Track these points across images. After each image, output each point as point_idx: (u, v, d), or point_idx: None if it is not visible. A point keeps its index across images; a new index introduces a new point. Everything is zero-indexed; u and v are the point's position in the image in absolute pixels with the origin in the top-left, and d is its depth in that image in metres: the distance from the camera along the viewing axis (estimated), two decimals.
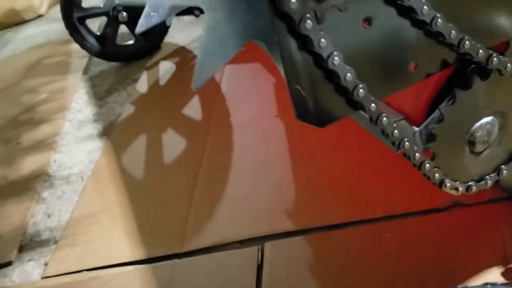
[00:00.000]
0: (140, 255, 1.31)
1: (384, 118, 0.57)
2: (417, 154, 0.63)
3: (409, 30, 0.57)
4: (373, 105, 0.55)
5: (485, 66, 0.64)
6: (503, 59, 0.64)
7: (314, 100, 0.55)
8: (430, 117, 0.67)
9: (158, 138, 1.74)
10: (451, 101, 0.65)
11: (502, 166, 0.74)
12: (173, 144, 1.68)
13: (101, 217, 1.47)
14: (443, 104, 0.66)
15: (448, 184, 0.67)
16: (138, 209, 1.46)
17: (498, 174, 0.73)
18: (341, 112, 0.56)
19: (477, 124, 0.68)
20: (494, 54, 0.63)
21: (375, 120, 0.57)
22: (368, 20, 0.54)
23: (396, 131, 0.59)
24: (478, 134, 0.68)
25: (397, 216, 1.18)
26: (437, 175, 0.65)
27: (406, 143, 0.60)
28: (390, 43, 0.56)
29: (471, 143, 0.68)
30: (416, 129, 0.68)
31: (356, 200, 1.23)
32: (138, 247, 1.34)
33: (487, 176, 0.72)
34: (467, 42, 0.59)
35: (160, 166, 1.60)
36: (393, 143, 0.60)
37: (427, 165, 0.64)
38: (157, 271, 1.25)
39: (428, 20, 0.56)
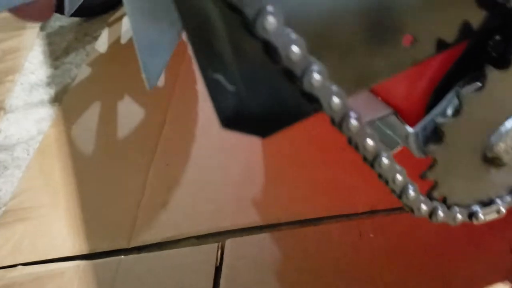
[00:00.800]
0: (82, 249, 1.12)
1: (352, 121, 0.36)
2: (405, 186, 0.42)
3: None
4: (335, 100, 0.34)
5: None
6: None
7: (250, 96, 0.33)
8: (434, 111, 0.46)
9: (114, 106, 1.52)
10: (478, 86, 0.44)
11: None
12: (130, 113, 1.47)
13: (44, 201, 1.28)
14: (464, 89, 0.45)
15: (441, 215, 0.47)
16: (85, 192, 1.26)
17: None
18: (288, 114, 0.35)
19: (507, 124, 0.47)
20: None
21: (337, 123, 0.36)
22: None
23: (370, 142, 0.38)
24: (503, 140, 0.47)
25: (382, 211, 0.99)
26: (424, 206, 0.45)
27: (384, 160, 0.39)
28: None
29: (490, 150, 0.47)
30: (411, 130, 0.47)
31: (335, 192, 1.03)
32: (81, 239, 1.15)
33: (501, 198, 0.51)
34: None
35: (113, 141, 1.39)
36: (365, 158, 0.39)
37: (411, 192, 0.43)
38: (100, 269, 1.07)
39: None
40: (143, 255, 1.07)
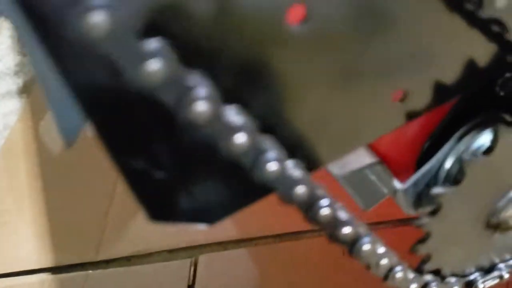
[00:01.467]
0: (47, 261, 1.05)
1: (323, 210, 0.28)
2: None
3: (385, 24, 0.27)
4: (299, 189, 0.26)
5: None
6: None
7: (188, 182, 0.25)
8: (428, 165, 0.38)
9: None
10: (486, 146, 0.36)
11: None
12: None
13: (8, 206, 1.19)
14: (467, 153, 0.37)
15: (398, 276, 0.39)
16: (52, 197, 1.18)
17: None
18: (238, 199, 0.28)
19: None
20: None
21: (304, 212, 0.28)
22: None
23: (346, 230, 0.30)
24: (508, 210, 0.39)
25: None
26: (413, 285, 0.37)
27: (365, 247, 0.31)
28: (344, 55, 0.26)
29: (495, 216, 0.40)
30: (399, 185, 0.39)
31: None
32: (46, 250, 1.07)
33: (504, 262, 0.44)
34: None
35: (82, 140, 1.29)
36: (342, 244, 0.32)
37: (399, 273, 0.35)
38: (65, 285, 1.00)
39: None
40: (111, 270, 1.00)
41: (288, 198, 0.26)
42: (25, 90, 1.59)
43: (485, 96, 0.39)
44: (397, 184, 0.39)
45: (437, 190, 0.35)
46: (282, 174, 0.25)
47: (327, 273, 0.88)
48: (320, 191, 0.28)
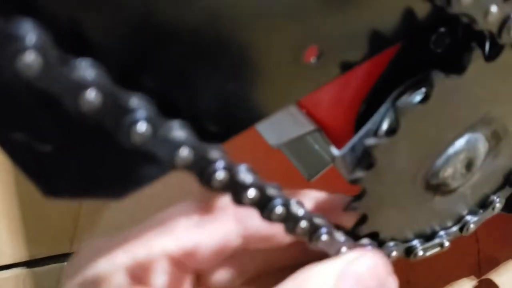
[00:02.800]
0: (21, 255, 1.03)
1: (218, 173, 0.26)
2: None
3: None
4: (183, 152, 0.24)
5: (494, 38, 0.33)
6: None
7: (76, 154, 0.24)
8: (363, 129, 0.36)
9: None
10: (420, 97, 0.34)
11: (494, 196, 0.44)
12: None
13: None
14: (401, 101, 0.36)
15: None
16: (23, 190, 1.16)
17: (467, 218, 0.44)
18: (132, 176, 0.26)
19: (456, 145, 0.37)
20: None
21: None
22: None
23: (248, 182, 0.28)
24: (451, 163, 0.37)
25: None
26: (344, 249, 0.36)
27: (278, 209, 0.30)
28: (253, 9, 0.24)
29: (435, 176, 0.38)
30: (336, 152, 0.37)
31: None
32: (19, 244, 1.06)
33: (445, 230, 0.42)
34: None
35: None
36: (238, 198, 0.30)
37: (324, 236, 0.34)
38: (42, 278, 0.99)
39: None
40: None
41: (170, 163, 0.24)
42: None
43: (420, 54, 0.37)
44: (335, 150, 0.38)
45: (370, 141, 0.34)
46: (155, 135, 0.23)
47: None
48: (211, 152, 0.26)
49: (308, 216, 0.32)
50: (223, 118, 0.27)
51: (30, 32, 0.18)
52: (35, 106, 0.22)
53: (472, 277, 0.76)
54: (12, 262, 1.02)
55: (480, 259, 0.77)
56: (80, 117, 0.20)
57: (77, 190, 0.25)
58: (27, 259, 1.02)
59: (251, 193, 0.27)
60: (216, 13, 0.24)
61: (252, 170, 0.28)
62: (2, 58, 0.18)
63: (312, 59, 0.28)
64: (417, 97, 0.36)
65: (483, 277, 0.76)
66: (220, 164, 0.26)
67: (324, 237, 0.33)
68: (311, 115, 0.40)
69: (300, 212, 0.31)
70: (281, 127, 0.41)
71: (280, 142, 0.42)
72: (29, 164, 0.23)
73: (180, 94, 0.25)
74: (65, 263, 0.99)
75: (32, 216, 1.07)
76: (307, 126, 0.39)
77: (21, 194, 1.13)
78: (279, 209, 0.29)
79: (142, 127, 0.22)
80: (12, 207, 1.11)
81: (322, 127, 0.40)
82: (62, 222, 1.04)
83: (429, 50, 0.37)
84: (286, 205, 0.30)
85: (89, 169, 0.25)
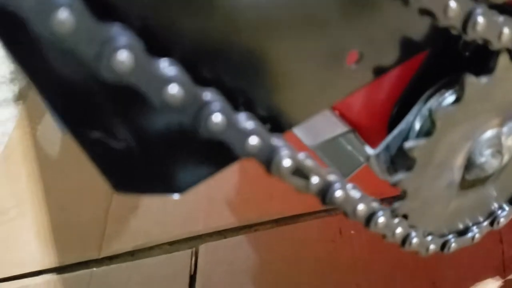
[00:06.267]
0: (52, 262, 1.06)
1: (284, 161, 0.28)
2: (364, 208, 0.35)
3: None
4: (253, 140, 0.27)
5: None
6: None
7: (147, 151, 0.26)
8: (398, 128, 0.38)
9: None
10: (455, 95, 0.36)
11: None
12: None
13: (10, 212, 1.20)
14: (435, 103, 0.37)
15: (414, 241, 0.40)
16: (52, 199, 1.19)
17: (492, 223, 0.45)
18: (201, 167, 0.28)
19: (484, 136, 0.39)
20: None
21: (266, 165, 0.29)
22: None
23: (315, 179, 0.30)
24: (483, 153, 0.39)
25: None
26: (400, 228, 0.38)
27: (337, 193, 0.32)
28: (301, 19, 0.27)
29: (468, 170, 0.40)
30: (371, 151, 0.40)
31: None
32: (50, 251, 1.08)
33: (477, 225, 0.44)
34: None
35: None
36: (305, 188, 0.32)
37: (380, 217, 0.36)
38: (72, 284, 1.01)
39: None
40: (115, 266, 1.01)
41: (242, 151, 0.26)
42: (21, 97, 1.60)
43: (449, 57, 0.39)
44: (369, 150, 0.40)
45: (409, 144, 0.36)
46: (230, 126, 0.25)
47: (326, 253, 0.89)
48: (277, 141, 0.28)
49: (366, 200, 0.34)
50: (274, 118, 0.29)
51: (121, 35, 0.20)
52: (112, 107, 0.24)
53: (497, 277, 0.77)
54: (42, 269, 1.05)
55: (505, 260, 0.78)
56: (160, 114, 0.23)
57: (143, 186, 0.28)
58: (57, 265, 1.05)
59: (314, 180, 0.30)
60: (265, 27, 0.27)
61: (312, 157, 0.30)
62: (96, 58, 0.20)
63: (353, 63, 0.31)
64: (449, 98, 0.38)
65: (508, 277, 0.77)
66: (284, 151, 0.28)
67: (381, 220, 0.35)
68: (344, 117, 0.42)
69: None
70: (316, 129, 0.43)
71: (315, 144, 0.44)
72: (103, 160, 0.25)
73: (243, 92, 0.27)
74: (94, 269, 1.01)
75: (61, 224, 1.10)
76: (341, 127, 0.41)
77: (50, 204, 1.16)
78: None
79: (217, 117, 0.24)
80: (41, 217, 1.14)
81: (355, 128, 0.42)
82: (90, 229, 1.07)
83: (457, 54, 0.39)
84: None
85: (156, 167, 0.27)
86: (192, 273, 0.92)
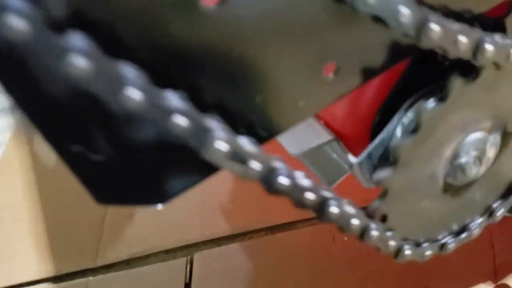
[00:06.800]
0: (47, 271, 1.06)
1: (280, 179, 0.29)
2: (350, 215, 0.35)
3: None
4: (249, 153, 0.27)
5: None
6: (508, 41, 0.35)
7: (127, 163, 0.27)
8: (380, 137, 0.39)
9: None
10: (439, 98, 0.37)
11: (495, 204, 0.46)
12: None
13: (7, 220, 1.21)
14: (418, 104, 0.38)
15: (407, 253, 0.41)
16: (48, 208, 1.19)
17: (490, 215, 0.46)
18: (182, 178, 0.29)
19: (467, 140, 0.40)
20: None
21: (262, 182, 0.30)
22: None
23: (309, 196, 0.31)
24: (464, 158, 0.40)
25: None
26: (392, 241, 0.39)
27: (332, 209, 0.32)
28: (274, 31, 0.28)
29: (452, 175, 0.41)
30: (353, 159, 0.40)
31: None
32: (45, 260, 1.09)
33: (474, 221, 0.45)
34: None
35: None
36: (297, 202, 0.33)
37: (373, 231, 0.37)
38: None
39: None
40: (111, 275, 1.01)
41: (243, 174, 0.27)
42: None
43: (429, 66, 0.40)
44: (352, 158, 0.41)
45: (395, 141, 0.36)
46: (232, 151, 0.26)
47: (319, 260, 0.89)
48: (275, 162, 0.29)
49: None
50: (256, 126, 0.30)
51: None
52: (92, 122, 0.25)
53: (489, 282, 0.77)
54: (38, 278, 1.05)
55: (496, 264, 0.78)
56: (140, 124, 0.24)
57: (125, 197, 0.28)
58: (53, 274, 1.05)
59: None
60: (243, 39, 0.27)
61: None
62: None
63: (330, 75, 0.31)
64: (431, 105, 0.39)
65: (500, 282, 0.77)
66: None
67: (375, 233, 0.36)
68: (328, 126, 0.43)
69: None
70: (300, 137, 0.44)
71: (300, 152, 0.44)
72: (84, 172, 0.26)
73: (224, 102, 0.28)
74: (90, 278, 1.02)
75: (57, 233, 1.11)
76: (325, 136, 0.42)
77: (46, 213, 1.17)
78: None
79: (221, 145, 0.25)
80: (37, 224, 1.15)
81: (339, 137, 0.43)
82: (86, 238, 1.07)
83: (437, 63, 0.40)
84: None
85: (137, 178, 0.28)
86: (187, 281, 0.92)
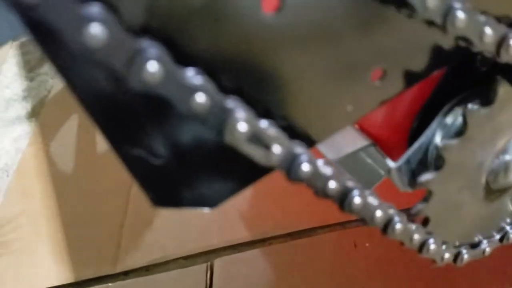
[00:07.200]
0: (67, 277, 1.06)
1: (304, 165, 0.29)
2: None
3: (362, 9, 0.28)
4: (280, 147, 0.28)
5: None
6: None
7: (184, 168, 0.27)
8: (418, 142, 0.39)
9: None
10: (486, 101, 0.37)
11: None
12: None
13: (26, 228, 1.22)
14: (461, 107, 0.38)
15: (432, 247, 0.41)
16: (67, 214, 1.20)
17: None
18: (234, 181, 0.29)
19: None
20: None
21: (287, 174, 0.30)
22: None
23: (332, 184, 0.31)
24: (510, 156, 0.40)
25: None
26: (417, 235, 0.39)
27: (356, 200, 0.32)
28: (326, 38, 0.28)
29: (494, 174, 0.41)
30: (392, 164, 0.41)
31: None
32: (66, 266, 1.09)
33: (488, 238, 0.44)
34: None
35: (92, 156, 1.33)
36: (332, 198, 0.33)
37: (397, 224, 0.36)
38: None
39: None
40: (130, 281, 1.01)
41: (266, 159, 0.27)
42: (33, 114, 1.63)
43: (468, 72, 0.40)
44: (391, 163, 0.41)
45: (424, 177, 0.36)
46: (254, 134, 0.26)
47: (340, 267, 0.89)
48: (298, 149, 0.29)
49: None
50: (300, 134, 0.30)
51: (151, 47, 0.22)
52: (152, 125, 0.25)
53: None
54: (58, 284, 1.06)
55: None
56: (193, 127, 0.24)
57: (179, 200, 0.29)
58: (73, 281, 1.05)
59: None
60: (297, 44, 0.28)
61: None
62: (130, 72, 0.22)
63: (377, 79, 0.32)
64: (479, 105, 0.39)
65: None
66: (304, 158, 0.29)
67: (398, 226, 0.36)
68: (365, 131, 0.43)
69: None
70: (337, 143, 0.44)
71: (338, 157, 0.45)
72: (143, 176, 0.26)
73: (270, 108, 0.29)
74: (109, 284, 1.02)
75: (76, 239, 1.11)
76: (362, 141, 0.42)
77: (64, 219, 1.18)
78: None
79: (242, 126, 0.25)
80: (56, 232, 1.15)
81: (376, 142, 0.43)
82: (105, 244, 1.08)
83: (475, 69, 0.40)
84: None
85: (190, 182, 0.28)
86: (208, 285, 0.93)
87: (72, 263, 1.09)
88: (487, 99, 0.37)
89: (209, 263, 0.97)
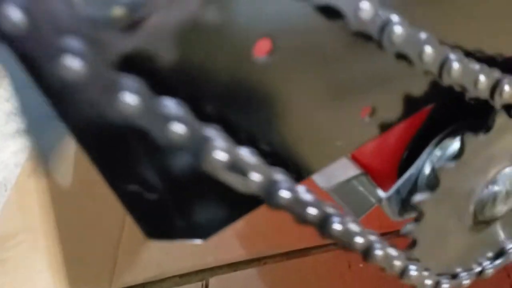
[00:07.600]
0: None
1: (284, 193, 0.30)
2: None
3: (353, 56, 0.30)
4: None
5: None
6: None
7: (177, 202, 0.28)
8: (409, 172, 0.40)
9: None
10: (484, 129, 0.38)
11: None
12: None
13: (23, 242, 1.22)
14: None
15: (412, 274, 0.41)
16: (64, 231, 1.20)
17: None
18: (227, 215, 0.30)
19: (506, 170, 0.41)
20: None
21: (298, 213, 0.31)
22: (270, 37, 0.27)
23: (312, 210, 0.32)
24: (499, 187, 0.41)
25: None
26: (397, 261, 0.39)
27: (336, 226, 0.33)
28: (315, 77, 0.29)
29: (480, 208, 0.42)
30: (383, 194, 0.41)
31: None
32: (62, 282, 1.09)
33: (467, 271, 0.45)
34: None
35: (90, 173, 1.32)
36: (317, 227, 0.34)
37: (377, 250, 0.37)
38: None
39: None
40: None
41: (245, 187, 0.28)
42: None
43: (457, 105, 0.41)
44: (381, 193, 0.42)
45: (417, 197, 0.37)
46: (232, 162, 0.26)
47: (334, 287, 0.90)
48: (278, 176, 0.29)
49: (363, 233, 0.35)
50: (294, 166, 0.31)
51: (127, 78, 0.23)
52: (146, 158, 0.26)
53: None
54: None
55: None
56: (184, 161, 0.25)
57: (171, 233, 0.30)
58: None
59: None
60: (287, 85, 0.29)
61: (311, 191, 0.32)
62: (105, 104, 0.22)
63: (367, 116, 0.33)
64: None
65: None
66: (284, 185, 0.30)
67: (379, 253, 0.36)
68: (357, 160, 0.44)
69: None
70: (329, 172, 0.45)
71: (329, 186, 0.46)
72: (138, 210, 0.27)
73: (263, 143, 0.30)
74: None
75: (73, 256, 1.11)
76: (354, 170, 0.43)
77: (62, 235, 1.18)
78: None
79: (219, 154, 0.26)
80: (53, 248, 1.15)
81: (367, 171, 0.44)
82: (101, 261, 1.08)
83: (464, 102, 0.41)
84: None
85: (183, 215, 0.29)
86: None
87: (69, 280, 1.09)
88: (485, 126, 0.38)
89: (204, 282, 0.97)
